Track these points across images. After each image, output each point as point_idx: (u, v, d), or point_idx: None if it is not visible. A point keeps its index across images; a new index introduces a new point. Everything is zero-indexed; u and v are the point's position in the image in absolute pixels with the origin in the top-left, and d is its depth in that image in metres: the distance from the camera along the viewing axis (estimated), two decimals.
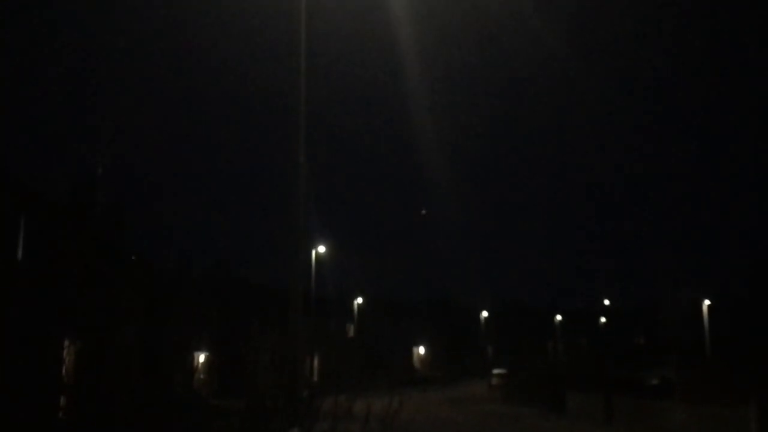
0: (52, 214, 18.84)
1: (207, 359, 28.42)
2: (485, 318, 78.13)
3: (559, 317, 76.41)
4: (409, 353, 67.10)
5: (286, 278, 10.74)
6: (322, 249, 34.03)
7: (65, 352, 18.92)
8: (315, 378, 35.32)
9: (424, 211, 62.11)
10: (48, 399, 17.79)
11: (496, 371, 57.80)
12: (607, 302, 71.88)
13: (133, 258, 22.85)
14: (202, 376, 27.95)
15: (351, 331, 57.79)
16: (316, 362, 38.59)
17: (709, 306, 45.97)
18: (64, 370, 18.93)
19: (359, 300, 56.85)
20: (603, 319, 72.11)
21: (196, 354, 28.18)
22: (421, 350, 68.29)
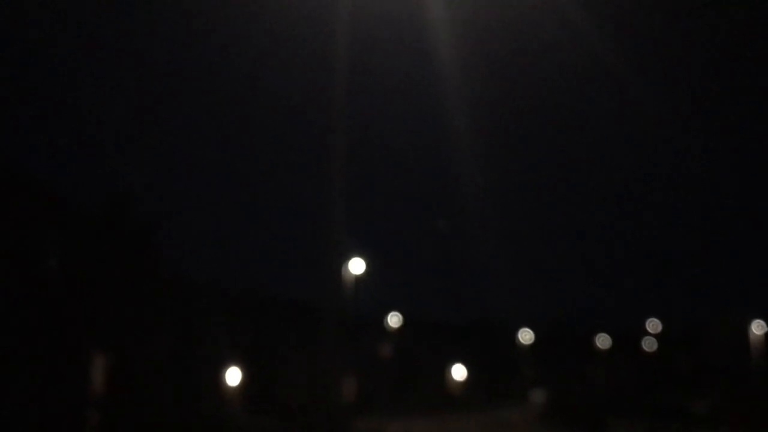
0: (85, 227, 19.11)
1: (239, 376, 28.57)
2: (524, 339, 77.51)
3: (600, 340, 75.56)
4: (446, 374, 66.80)
5: (320, 295, 10.79)
6: (358, 266, 34.10)
7: (95, 365, 19.17)
8: (350, 398, 35.26)
9: (441, 224, 60.88)
10: (76, 412, 18.01)
11: (535, 394, 57.57)
12: (651, 326, 70.94)
13: (166, 274, 23.14)
14: (233, 393, 28.18)
15: (386, 350, 57.64)
16: (350, 382, 38.54)
17: (766, 333, 44.49)
18: (93, 384, 19.18)
19: (395, 319, 56.76)
20: (648, 342, 71.16)
21: (227, 370, 28.37)
22: (458, 371, 67.93)
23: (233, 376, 28.49)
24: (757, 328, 45.08)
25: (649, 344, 71.53)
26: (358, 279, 31.72)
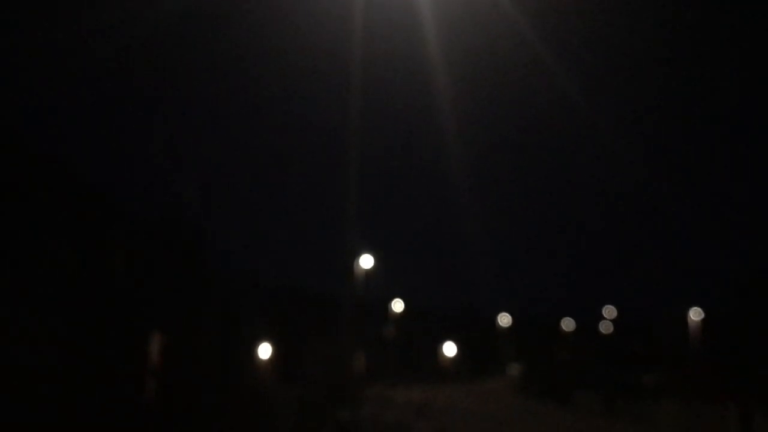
0: (145, 231, 19.29)
1: (270, 351, 28.70)
2: (503, 323, 77.65)
3: (565, 323, 75.64)
4: (438, 352, 66.95)
5: (337, 286, 11.00)
6: (367, 261, 34.31)
7: (153, 342, 19.35)
8: (360, 371, 35.38)
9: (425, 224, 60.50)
10: (138, 380, 18.20)
11: (511, 368, 57.87)
12: (608, 312, 71.03)
13: (212, 268, 23.32)
14: (265, 366, 28.31)
15: (390, 331, 57.80)
16: (361, 357, 38.71)
17: (703, 319, 44.60)
18: (152, 357, 19.36)
19: (398, 305, 56.88)
20: (605, 326, 71.15)
21: (260, 346, 28.52)
22: (449, 349, 68.09)
23: (265, 351, 28.62)
24: (694, 314, 45.16)
25: (605, 327, 71.55)
26: (368, 272, 31.87)
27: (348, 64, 11.00)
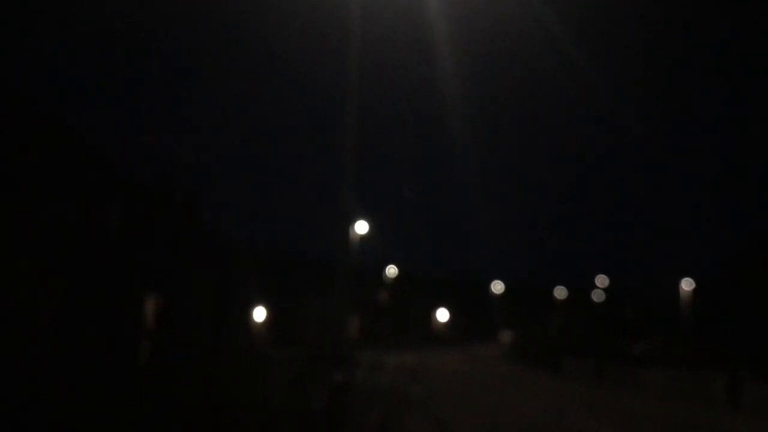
0: (143, 194, 19.17)
1: (264, 314, 28.80)
2: (496, 290, 78.06)
3: (558, 291, 76.02)
4: (432, 317, 67.38)
5: (332, 251, 10.98)
6: (362, 227, 34.28)
7: (148, 304, 19.36)
8: (355, 335, 35.60)
9: (408, 191, 59.79)
10: (133, 341, 18.23)
11: (503, 335, 58.28)
12: (600, 281, 71.34)
13: (207, 232, 23.24)
14: (260, 328, 28.44)
15: (384, 296, 58.05)
16: (355, 322, 38.89)
17: (693, 289, 44.79)
18: (147, 319, 19.38)
19: (392, 270, 57.03)
20: (597, 294, 71.55)
21: (255, 309, 28.60)
22: (442, 315, 68.51)
23: (259, 314, 28.72)
24: (686, 284, 45.45)
25: (598, 296, 71.90)
26: (363, 238, 31.84)
27: (347, 21, 10.77)
